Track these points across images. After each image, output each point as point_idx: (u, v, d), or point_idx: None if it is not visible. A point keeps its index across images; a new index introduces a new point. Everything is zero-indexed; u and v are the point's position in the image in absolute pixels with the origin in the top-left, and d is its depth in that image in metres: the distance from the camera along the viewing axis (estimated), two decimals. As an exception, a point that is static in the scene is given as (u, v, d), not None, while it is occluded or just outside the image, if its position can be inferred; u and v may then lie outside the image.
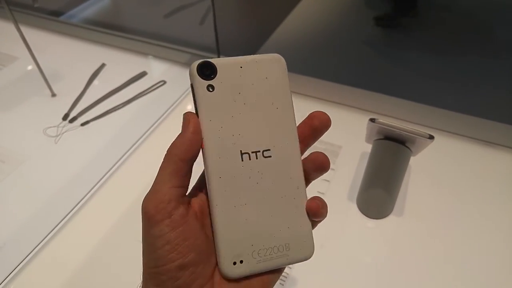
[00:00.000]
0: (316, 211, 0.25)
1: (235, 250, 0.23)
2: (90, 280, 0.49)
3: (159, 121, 0.71)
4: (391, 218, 0.53)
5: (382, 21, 1.65)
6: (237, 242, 0.23)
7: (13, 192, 0.60)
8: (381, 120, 0.51)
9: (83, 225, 0.55)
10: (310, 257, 0.25)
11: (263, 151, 0.24)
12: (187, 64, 0.87)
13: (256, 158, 0.24)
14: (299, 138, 0.26)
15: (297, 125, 0.26)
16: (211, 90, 0.23)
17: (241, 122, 0.24)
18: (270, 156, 0.24)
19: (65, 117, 0.71)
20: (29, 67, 0.82)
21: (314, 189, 0.56)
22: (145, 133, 0.68)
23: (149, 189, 0.23)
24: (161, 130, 0.69)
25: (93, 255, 0.51)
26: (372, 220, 0.53)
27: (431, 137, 0.49)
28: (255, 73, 0.24)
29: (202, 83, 0.23)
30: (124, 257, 0.50)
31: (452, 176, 0.59)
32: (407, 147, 0.54)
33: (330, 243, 0.50)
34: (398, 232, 0.52)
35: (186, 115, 0.24)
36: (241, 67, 0.24)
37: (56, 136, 0.67)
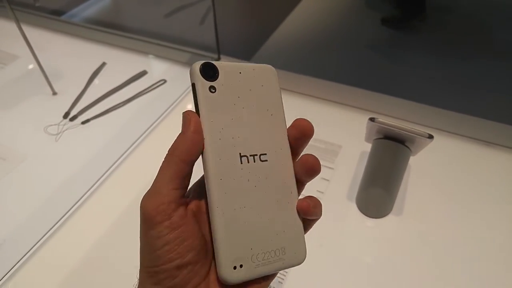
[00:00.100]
0: (306, 210, 0.25)
1: (235, 254, 0.23)
2: (89, 278, 0.49)
3: (159, 120, 0.71)
4: (390, 218, 0.53)
5: (389, 22, 1.65)
6: (237, 245, 0.23)
7: (14, 189, 0.60)
8: (380, 120, 0.51)
9: (82, 223, 0.55)
10: (303, 261, 0.25)
11: (260, 155, 0.25)
12: (188, 64, 0.87)
13: (254, 161, 0.24)
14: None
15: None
16: (213, 91, 0.24)
17: (240, 125, 0.24)
18: (266, 160, 0.25)
19: (65, 116, 0.71)
20: (30, 66, 0.83)
21: (314, 188, 0.56)
22: (145, 131, 0.69)
23: (148, 187, 0.23)
24: (161, 129, 0.70)
25: (92, 253, 0.51)
26: (371, 219, 0.53)
27: (431, 137, 0.49)
28: (252, 80, 0.25)
29: (205, 83, 0.24)
30: (123, 256, 0.50)
31: (452, 175, 0.59)
32: (406, 146, 0.54)
33: (329, 242, 0.50)
34: (398, 232, 0.52)
35: (187, 114, 0.24)
36: (240, 73, 0.25)
37: (57, 134, 0.68)
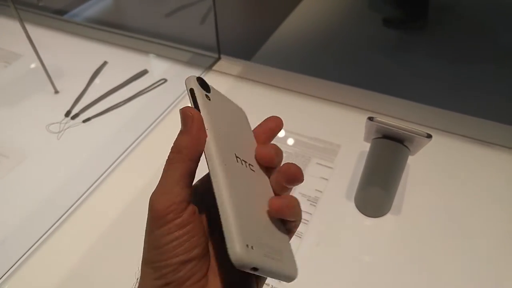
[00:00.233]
0: (277, 210, 0.24)
1: (248, 234, 0.22)
2: (90, 276, 0.49)
3: (160, 119, 0.72)
4: (388, 217, 0.54)
5: (391, 23, 1.65)
6: (248, 227, 0.22)
7: (16, 187, 0.60)
8: (379, 119, 0.51)
9: (84, 220, 0.55)
10: (294, 278, 0.24)
11: (248, 164, 0.26)
12: (188, 63, 0.88)
13: (246, 166, 0.25)
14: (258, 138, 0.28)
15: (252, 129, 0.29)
16: (208, 100, 0.25)
17: (231, 134, 0.26)
18: (253, 171, 0.26)
19: (67, 114, 0.71)
20: (33, 65, 0.83)
21: (313, 187, 0.56)
22: (146, 130, 0.69)
23: (150, 185, 0.23)
24: (162, 128, 0.70)
25: (93, 251, 0.51)
26: (370, 218, 0.54)
27: (429, 136, 0.49)
28: (230, 106, 0.28)
29: (202, 91, 0.25)
30: (124, 253, 0.50)
31: (450, 175, 0.59)
32: (405, 146, 0.54)
33: (328, 241, 0.51)
34: (396, 231, 0.53)
35: (187, 110, 0.23)
36: (221, 96, 0.28)
37: (59, 132, 0.68)
